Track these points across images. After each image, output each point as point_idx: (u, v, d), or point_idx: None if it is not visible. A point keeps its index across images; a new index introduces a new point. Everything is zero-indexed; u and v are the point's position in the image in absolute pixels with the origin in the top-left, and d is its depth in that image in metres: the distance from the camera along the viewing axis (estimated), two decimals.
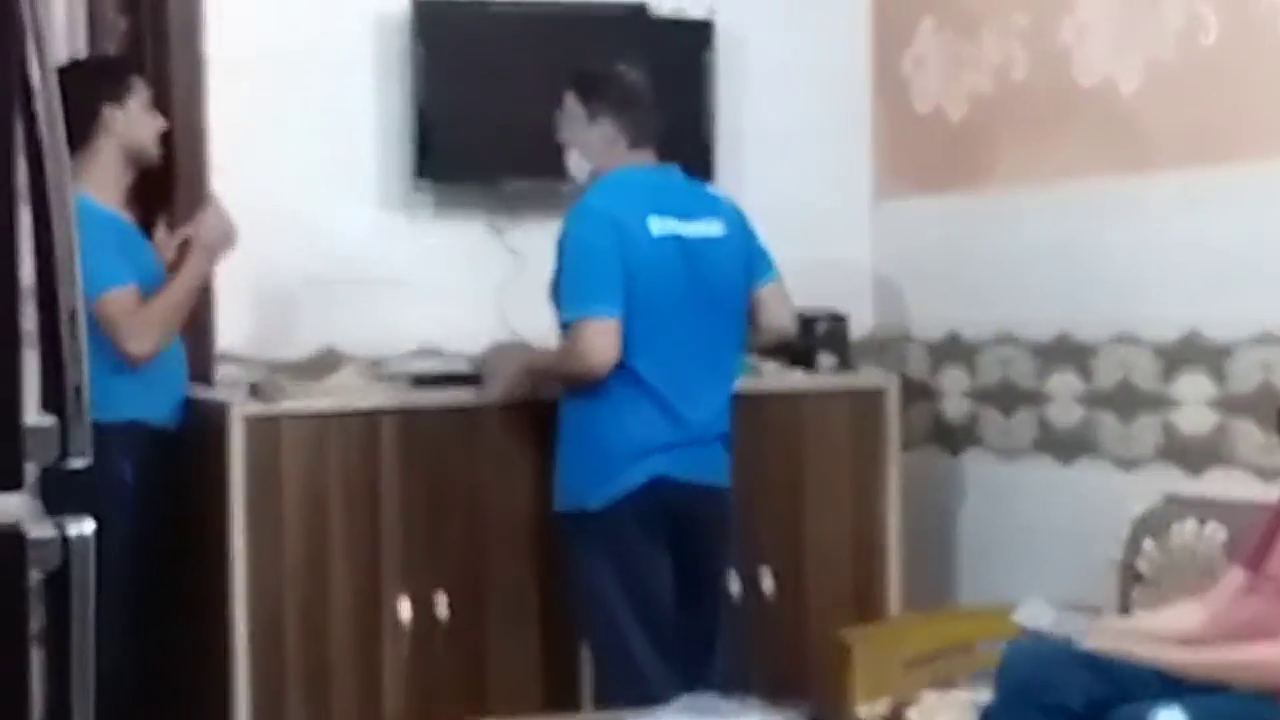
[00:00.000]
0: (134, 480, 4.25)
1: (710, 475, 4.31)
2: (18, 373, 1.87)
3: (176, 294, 4.33)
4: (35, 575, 1.90)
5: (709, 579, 4.42)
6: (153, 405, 4.35)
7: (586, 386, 4.19)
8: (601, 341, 4.12)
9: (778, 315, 4.50)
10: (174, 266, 4.55)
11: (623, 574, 4.23)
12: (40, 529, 1.89)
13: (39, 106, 1.90)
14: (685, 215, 4.28)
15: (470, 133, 4.96)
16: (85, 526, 1.92)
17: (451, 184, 5.03)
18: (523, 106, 4.85)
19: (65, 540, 1.90)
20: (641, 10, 5.21)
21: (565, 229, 4.23)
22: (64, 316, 1.92)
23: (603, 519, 4.20)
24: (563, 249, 4.22)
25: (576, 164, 4.37)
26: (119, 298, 4.22)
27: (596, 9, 5.19)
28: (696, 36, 5.20)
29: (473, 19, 5.03)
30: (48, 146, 1.91)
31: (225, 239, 4.42)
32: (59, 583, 1.92)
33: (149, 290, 4.32)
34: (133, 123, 4.41)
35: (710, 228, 4.32)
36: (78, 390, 1.91)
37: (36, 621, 1.94)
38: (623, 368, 4.16)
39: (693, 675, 4.15)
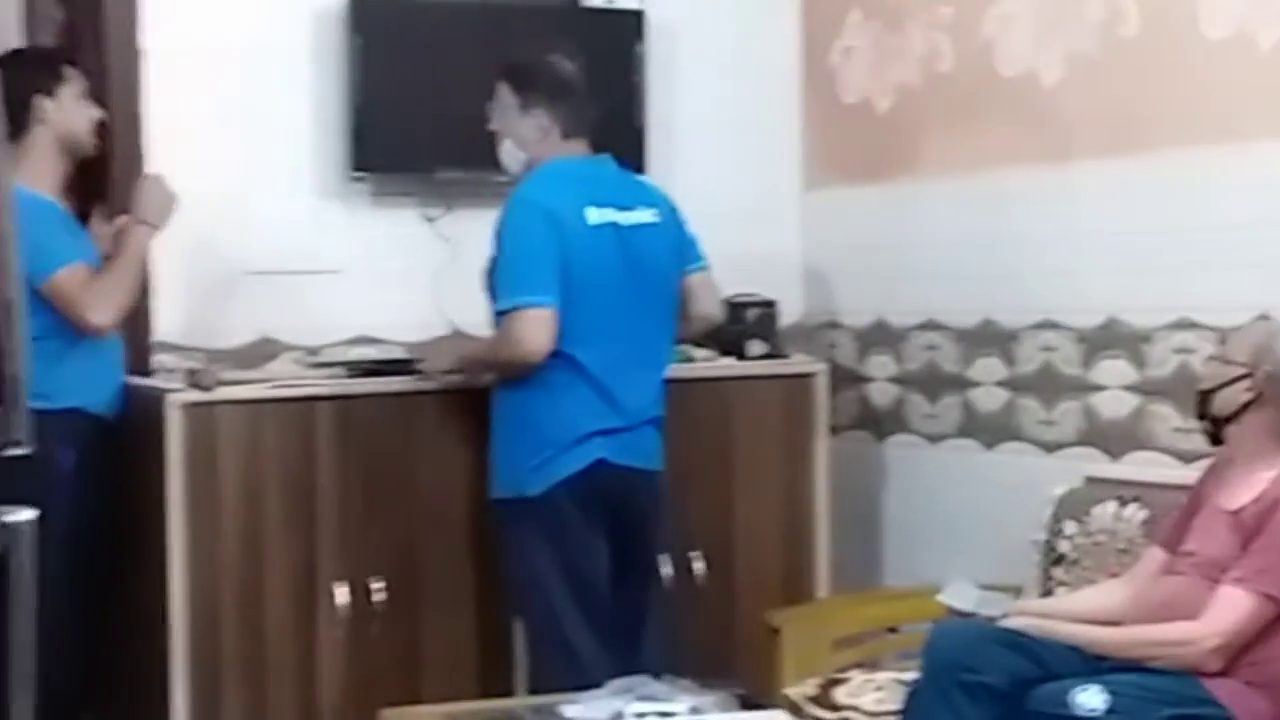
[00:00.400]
0: (74, 468, 4.25)
1: (645, 459, 4.36)
2: None
3: (124, 268, 4.34)
4: None
5: (643, 562, 4.46)
6: (92, 393, 4.37)
7: (521, 375, 4.23)
8: (535, 330, 4.15)
9: (706, 304, 4.54)
10: (111, 257, 4.60)
11: (561, 559, 4.26)
12: None
13: None
14: (621, 204, 4.31)
15: (405, 124, 4.99)
16: (26, 514, 1.93)
17: (387, 175, 5.06)
18: (457, 98, 4.88)
19: (6, 527, 1.91)
20: (573, 2, 5.25)
21: (502, 219, 4.26)
22: (1, 308, 1.93)
23: (542, 505, 4.23)
24: (499, 239, 4.25)
25: (510, 154, 4.39)
26: (71, 274, 4.23)
27: (529, 1, 5.22)
28: (628, 27, 5.24)
29: (407, 12, 5.07)
30: None
31: (164, 211, 4.43)
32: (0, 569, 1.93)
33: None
34: (66, 113, 4.41)
35: (645, 216, 4.35)
36: (16, 380, 1.92)
37: None
38: (561, 355, 4.19)
39: (627, 658, 4.19)
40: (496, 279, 4.27)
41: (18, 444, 1.93)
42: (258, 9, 4.93)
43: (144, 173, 4.63)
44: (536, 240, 4.19)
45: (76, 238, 4.40)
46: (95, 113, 4.51)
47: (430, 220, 5.09)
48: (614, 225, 4.28)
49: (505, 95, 4.37)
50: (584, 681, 3.91)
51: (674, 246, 4.43)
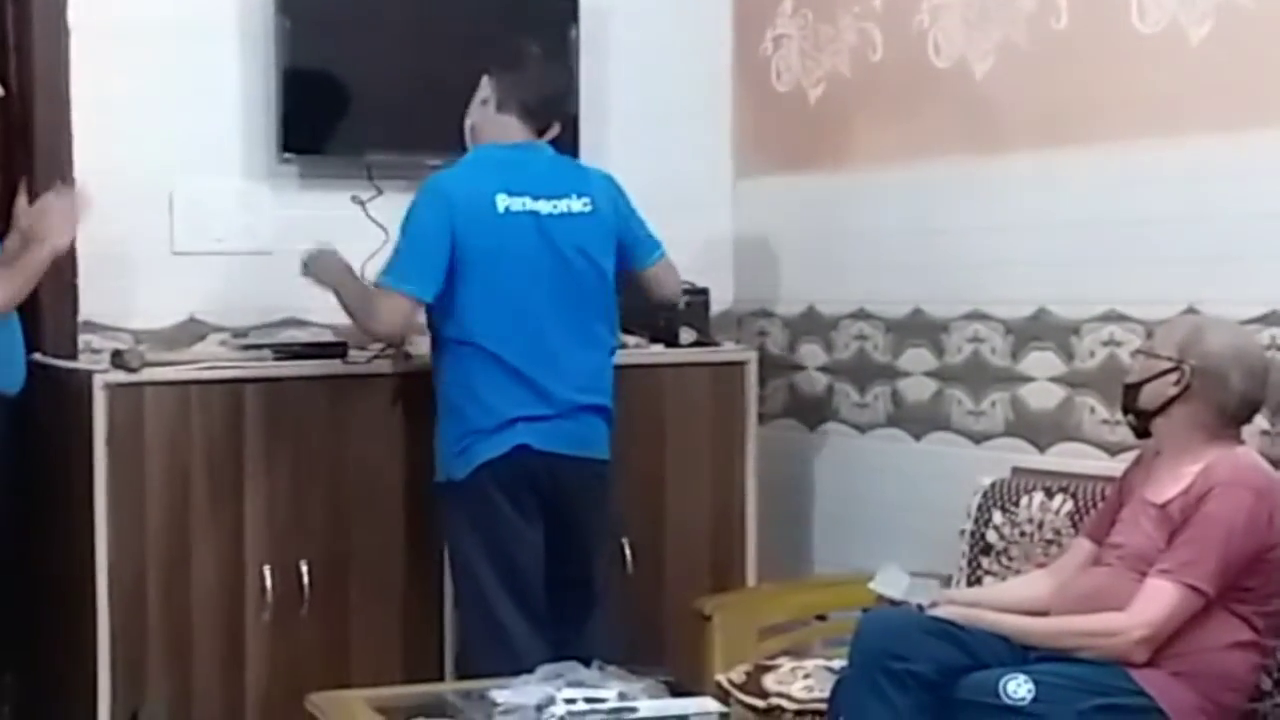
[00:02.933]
0: None
1: (577, 446, 4.35)
2: None
3: (16, 273, 4.17)
4: None
5: (578, 549, 4.44)
6: None
7: (374, 337, 4.48)
8: (390, 313, 4.28)
9: (669, 288, 4.66)
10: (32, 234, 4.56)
11: (488, 543, 4.28)
12: None
13: None
14: (543, 193, 4.31)
15: (335, 106, 4.95)
16: None
17: (316, 156, 5.01)
18: (387, 80, 4.90)
19: None
20: None
21: (413, 199, 4.32)
22: None
23: (467, 489, 4.26)
24: (405, 217, 4.31)
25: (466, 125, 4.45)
26: None
27: None
28: (561, 12, 5.21)
29: None
30: None
31: (67, 230, 4.30)
32: None
33: None
34: None
35: (574, 204, 4.35)
36: None
37: None
38: (473, 344, 4.24)
39: (563, 644, 4.19)
40: (391, 252, 4.34)
41: None
42: None
43: (57, 186, 4.48)
44: (429, 229, 4.25)
45: None
46: None
47: (360, 203, 5.05)
48: (532, 214, 4.29)
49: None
50: (515, 664, 3.93)
51: (607, 235, 4.43)
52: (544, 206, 4.31)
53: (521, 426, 4.26)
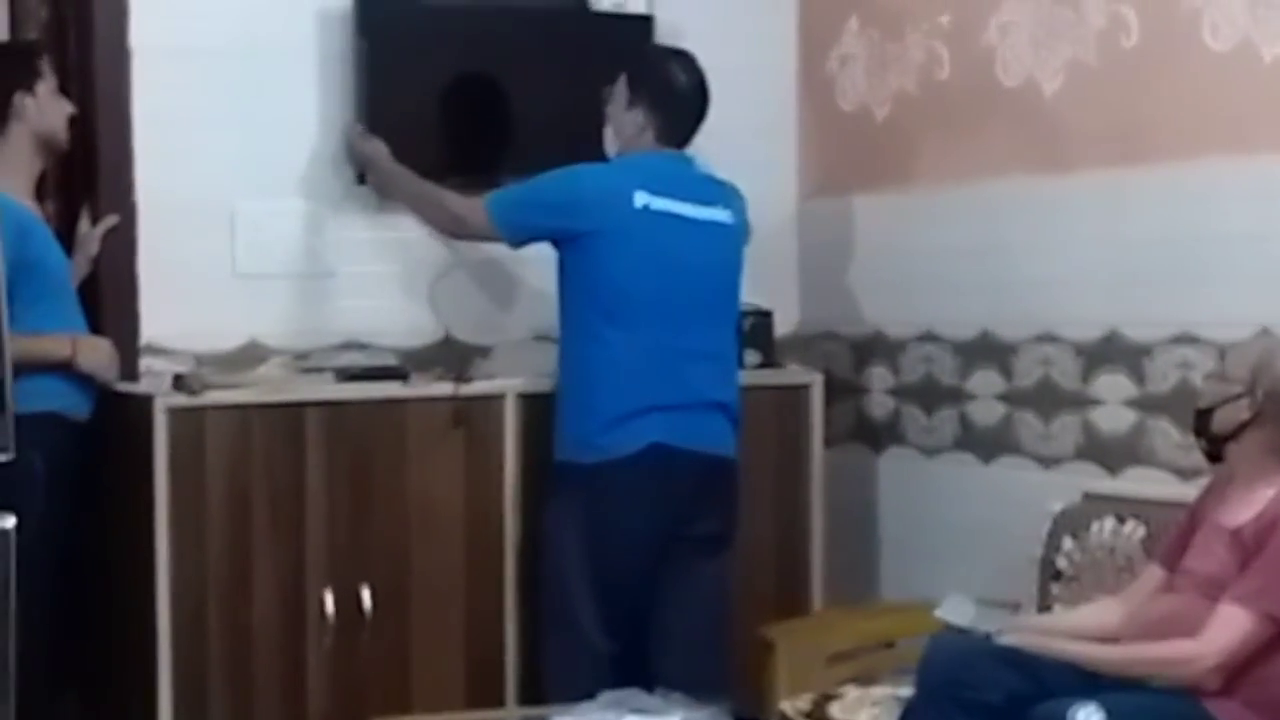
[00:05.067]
0: (46, 472, 4.19)
1: (707, 443, 4.40)
2: None
3: (28, 346, 4.02)
4: None
5: (698, 550, 4.46)
6: (63, 396, 4.31)
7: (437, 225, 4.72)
8: (475, 235, 4.59)
9: None
10: (97, 259, 4.61)
11: (586, 538, 4.33)
12: None
13: None
14: (686, 197, 4.43)
15: (408, 129, 4.91)
16: (5, 521, 1.91)
17: None
18: (462, 104, 4.88)
19: None
20: (582, 5, 5.21)
21: (564, 168, 4.40)
22: None
23: (588, 476, 4.31)
24: (550, 173, 4.41)
25: (609, 141, 4.54)
26: None
27: (537, 4, 5.17)
28: (636, 31, 5.18)
29: (414, 15, 4.98)
30: None
31: (101, 368, 4.39)
32: None
33: (52, 279, 4.31)
34: (44, 109, 4.38)
35: (718, 214, 4.49)
36: (2, 385, 1.90)
37: None
38: (609, 328, 4.32)
39: (669, 655, 4.32)
40: (517, 185, 4.48)
41: (3, 449, 1.90)
42: (261, 9, 4.84)
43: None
44: (555, 201, 4.39)
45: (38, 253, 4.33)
46: (69, 107, 4.47)
47: None
48: (669, 214, 4.39)
49: (620, 85, 4.52)
50: (582, 658, 4.15)
51: (741, 250, 4.58)
52: (689, 210, 4.44)
53: (656, 418, 4.32)
